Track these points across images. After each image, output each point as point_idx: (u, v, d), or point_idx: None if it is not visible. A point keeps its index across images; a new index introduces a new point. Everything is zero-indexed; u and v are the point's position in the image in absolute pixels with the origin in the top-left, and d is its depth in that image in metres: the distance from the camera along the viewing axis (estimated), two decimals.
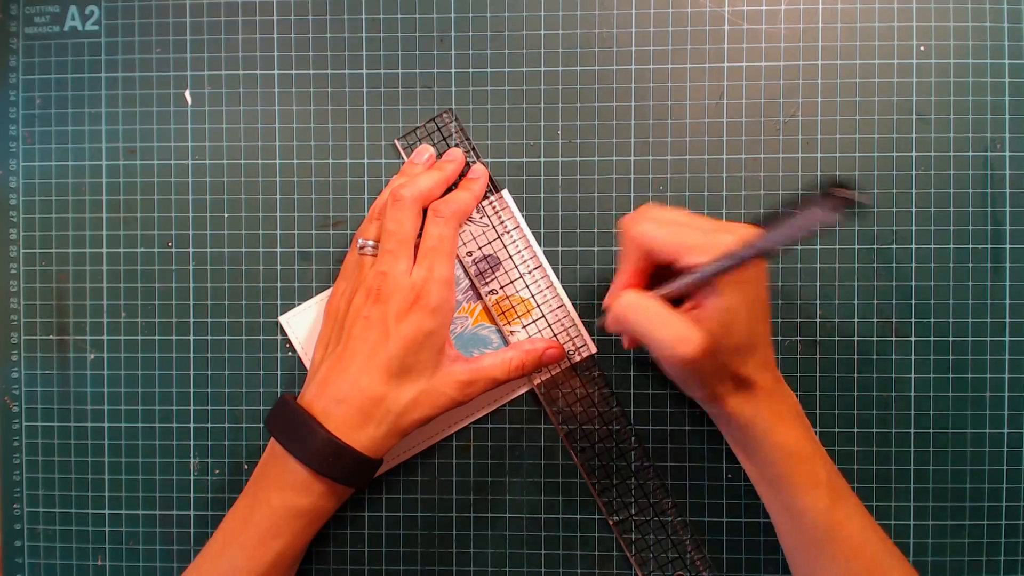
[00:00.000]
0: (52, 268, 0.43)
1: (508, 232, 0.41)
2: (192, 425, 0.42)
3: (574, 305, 0.41)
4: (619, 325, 0.34)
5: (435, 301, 0.36)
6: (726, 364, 0.33)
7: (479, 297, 0.41)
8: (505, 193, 0.41)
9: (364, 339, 0.36)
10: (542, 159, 0.41)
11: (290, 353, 0.42)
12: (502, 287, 0.41)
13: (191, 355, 0.42)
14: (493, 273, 0.41)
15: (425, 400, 0.36)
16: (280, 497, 0.36)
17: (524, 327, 0.41)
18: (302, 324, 0.42)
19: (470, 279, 0.41)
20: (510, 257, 0.41)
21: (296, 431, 0.35)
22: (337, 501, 0.37)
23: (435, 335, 0.36)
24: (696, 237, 0.32)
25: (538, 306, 0.41)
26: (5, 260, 0.43)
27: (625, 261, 0.35)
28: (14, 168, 0.43)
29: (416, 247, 0.37)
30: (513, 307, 0.41)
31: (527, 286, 0.41)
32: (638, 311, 0.33)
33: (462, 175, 0.41)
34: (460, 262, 0.41)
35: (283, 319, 0.42)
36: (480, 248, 0.41)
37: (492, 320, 0.41)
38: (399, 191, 0.38)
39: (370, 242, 0.38)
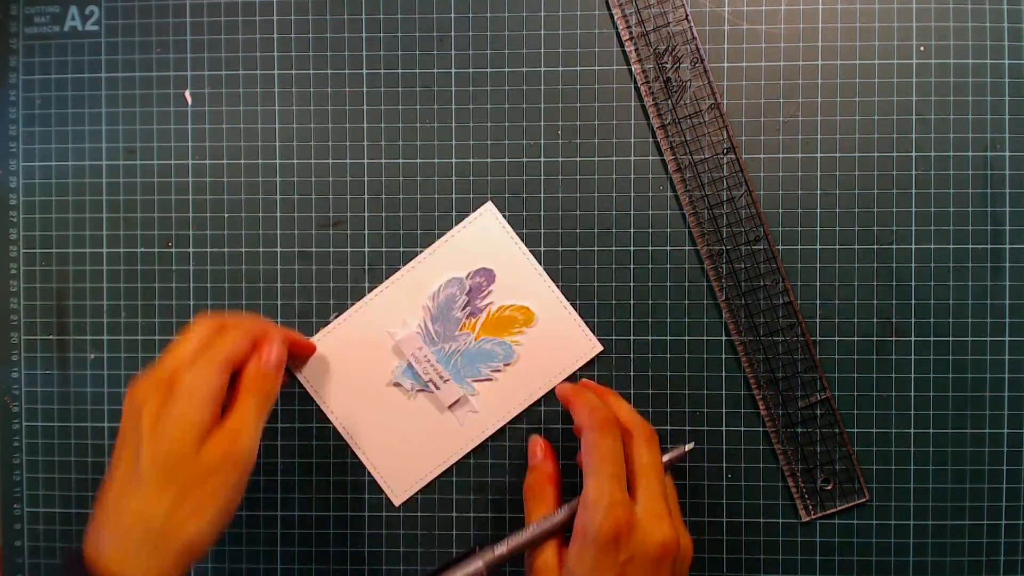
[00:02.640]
0: (52, 268, 0.43)
1: (499, 243, 0.41)
2: None
3: (574, 306, 0.41)
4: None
5: (187, 382, 0.33)
6: None
7: (479, 311, 0.41)
8: (489, 205, 0.41)
9: (118, 458, 0.33)
10: (542, 159, 0.41)
11: None
12: (500, 298, 0.41)
13: None
14: (489, 286, 0.41)
15: (202, 496, 0.32)
16: None
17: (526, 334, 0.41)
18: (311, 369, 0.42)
19: (467, 295, 0.41)
20: (504, 268, 0.41)
21: None
22: None
23: (191, 419, 0.32)
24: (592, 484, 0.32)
25: (538, 313, 0.41)
26: (5, 260, 0.43)
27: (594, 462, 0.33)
28: (14, 168, 0.43)
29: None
30: (514, 317, 0.41)
31: (525, 294, 0.41)
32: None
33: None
34: (456, 278, 0.41)
35: None
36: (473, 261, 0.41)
37: (495, 332, 0.41)
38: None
39: None
